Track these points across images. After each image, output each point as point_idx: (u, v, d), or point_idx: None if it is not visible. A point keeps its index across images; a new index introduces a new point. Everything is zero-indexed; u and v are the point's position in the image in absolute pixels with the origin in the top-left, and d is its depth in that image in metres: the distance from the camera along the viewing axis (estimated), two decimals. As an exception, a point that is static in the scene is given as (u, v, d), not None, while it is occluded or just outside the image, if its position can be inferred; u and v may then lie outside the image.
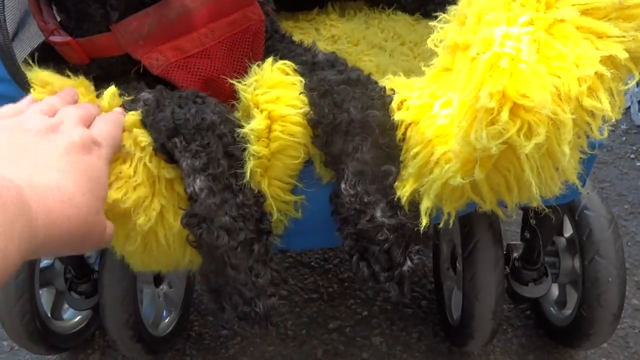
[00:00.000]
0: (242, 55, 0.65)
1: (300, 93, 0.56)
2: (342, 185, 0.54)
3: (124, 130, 0.54)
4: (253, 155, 0.54)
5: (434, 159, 0.52)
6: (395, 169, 0.54)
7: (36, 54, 0.59)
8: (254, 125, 0.54)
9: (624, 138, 1.55)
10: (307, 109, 0.55)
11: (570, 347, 0.97)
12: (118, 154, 0.53)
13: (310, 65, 0.61)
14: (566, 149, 0.46)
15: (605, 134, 0.49)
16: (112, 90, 0.57)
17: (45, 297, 0.97)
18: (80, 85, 0.57)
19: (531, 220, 0.85)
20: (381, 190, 0.53)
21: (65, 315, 1.01)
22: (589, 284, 0.85)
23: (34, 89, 0.55)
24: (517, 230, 1.06)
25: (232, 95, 0.60)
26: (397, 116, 0.55)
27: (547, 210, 0.55)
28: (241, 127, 0.54)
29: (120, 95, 0.58)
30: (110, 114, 0.54)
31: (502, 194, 0.53)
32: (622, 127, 1.58)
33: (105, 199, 0.47)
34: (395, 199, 0.53)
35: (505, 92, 0.44)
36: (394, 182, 0.54)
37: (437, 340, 1.02)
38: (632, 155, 1.48)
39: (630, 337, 1.01)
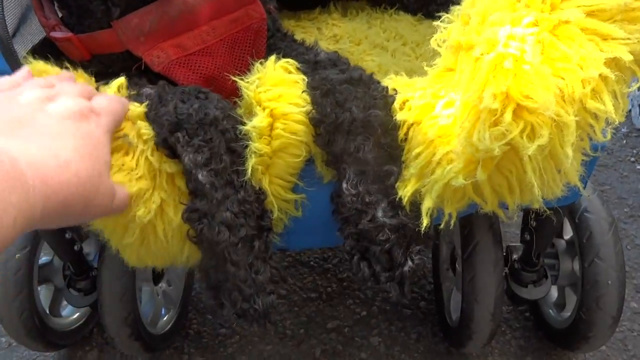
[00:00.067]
0: (243, 53, 0.65)
1: (302, 91, 0.56)
2: (344, 185, 0.54)
3: (127, 119, 0.53)
4: (254, 152, 0.53)
5: (436, 159, 0.52)
6: (397, 169, 0.54)
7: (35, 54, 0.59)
8: (256, 123, 0.53)
9: (624, 141, 1.55)
10: (309, 107, 0.55)
11: (568, 350, 0.97)
12: (121, 145, 0.52)
13: (313, 64, 0.61)
14: (569, 151, 0.46)
15: (608, 136, 0.49)
16: (121, 80, 0.56)
17: (43, 294, 0.96)
18: (79, 77, 0.57)
19: (531, 222, 0.85)
20: (383, 190, 0.53)
21: (64, 312, 1.01)
22: (589, 287, 0.85)
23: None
24: (516, 231, 1.05)
25: (233, 93, 0.60)
26: (399, 116, 0.54)
27: (548, 211, 0.55)
28: (243, 124, 0.54)
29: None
30: (112, 94, 0.53)
31: (504, 196, 0.53)
32: (622, 130, 1.58)
33: (109, 164, 0.46)
34: (397, 199, 0.53)
35: (508, 93, 0.44)
36: (396, 182, 0.54)
37: (436, 341, 1.02)
38: (633, 159, 1.48)
39: (628, 340, 1.01)
